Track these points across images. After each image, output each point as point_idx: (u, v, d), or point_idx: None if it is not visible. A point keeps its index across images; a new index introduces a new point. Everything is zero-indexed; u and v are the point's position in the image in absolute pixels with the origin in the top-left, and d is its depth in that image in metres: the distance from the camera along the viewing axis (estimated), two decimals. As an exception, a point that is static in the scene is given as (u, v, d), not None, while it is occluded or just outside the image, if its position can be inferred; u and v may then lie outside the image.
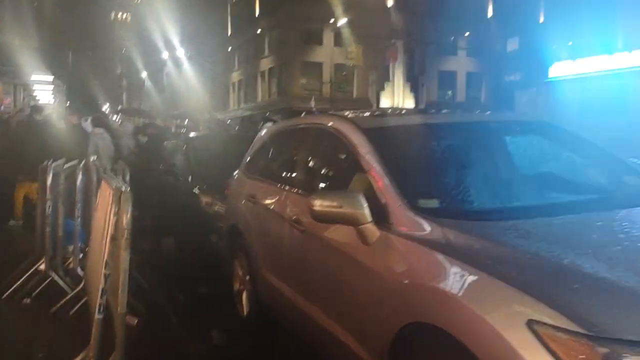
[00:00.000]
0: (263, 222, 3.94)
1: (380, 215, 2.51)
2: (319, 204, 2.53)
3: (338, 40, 38.40)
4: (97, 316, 2.66)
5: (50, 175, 4.64)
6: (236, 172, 5.00)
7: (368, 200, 2.52)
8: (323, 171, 3.40)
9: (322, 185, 3.27)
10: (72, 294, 4.36)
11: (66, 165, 4.94)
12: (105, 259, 2.67)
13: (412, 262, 2.32)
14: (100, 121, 9.54)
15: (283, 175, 3.90)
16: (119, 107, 37.96)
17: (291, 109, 31.93)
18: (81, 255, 4.75)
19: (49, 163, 4.95)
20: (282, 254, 3.56)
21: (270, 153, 4.40)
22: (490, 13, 35.07)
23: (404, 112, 5.11)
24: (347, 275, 2.66)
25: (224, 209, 6.02)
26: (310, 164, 3.63)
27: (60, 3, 43.49)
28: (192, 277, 5.76)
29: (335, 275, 2.80)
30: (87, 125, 9.75)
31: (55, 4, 40.80)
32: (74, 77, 27.36)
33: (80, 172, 4.71)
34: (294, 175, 3.72)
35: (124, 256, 2.54)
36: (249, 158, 4.74)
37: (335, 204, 2.52)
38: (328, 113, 4.89)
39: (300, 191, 3.39)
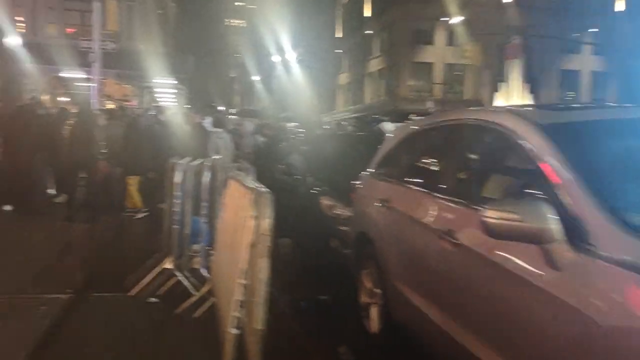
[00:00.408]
0: (400, 231, 3.54)
1: (574, 233, 2.01)
2: (495, 217, 2.08)
3: (450, 39, 37.11)
4: (232, 331, 2.41)
5: (179, 172, 4.58)
6: (363, 173, 4.65)
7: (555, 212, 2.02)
8: (485, 177, 2.91)
9: (484, 193, 2.77)
10: (197, 296, 4.24)
11: (192, 164, 4.87)
12: (242, 267, 2.41)
13: (633, 301, 1.78)
14: (220, 121, 9.65)
15: (428, 179, 3.47)
16: (237, 109, 39.52)
17: (399, 111, 31.33)
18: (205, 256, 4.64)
19: (177, 161, 4.91)
20: (426, 269, 3.14)
21: (410, 153, 3.98)
22: (618, 7, 32.00)
23: (589, 105, 4.39)
24: (524, 304, 2.17)
25: (346, 212, 5.72)
26: (467, 167, 3.16)
27: (181, 11, 46.16)
28: (311, 283, 5.52)
29: (503, 301, 2.33)
30: (207, 124, 9.92)
31: (178, 12, 43.39)
32: (193, 80, 28.72)
33: (207, 171, 4.60)
34: (444, 180, 3.27)
35: (263, 265, 2.27)
36: (380, 158, 4.37)
37: (514, 216, 2.05)
38: (490, 107, 4.36)
39: (454, 199, 2.94)
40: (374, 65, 43.05)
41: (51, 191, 10.07)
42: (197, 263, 4.67)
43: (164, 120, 9.82)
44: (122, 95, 17.29)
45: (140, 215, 9.02)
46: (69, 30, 28.35)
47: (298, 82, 51.10)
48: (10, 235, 7.03)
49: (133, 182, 9.32)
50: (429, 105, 9.55)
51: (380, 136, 10.02)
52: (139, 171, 8.99)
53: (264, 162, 8.69)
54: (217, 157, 6.29)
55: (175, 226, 4.61)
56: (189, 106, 22.08)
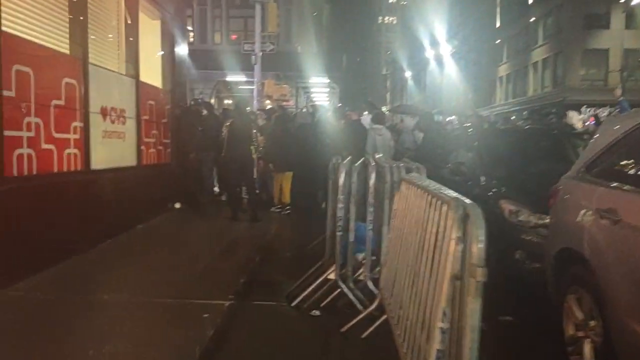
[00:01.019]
0: (636, 252, 2.66)
1: None
2: None
3: (629, 22, 32.71)
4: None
5: (343, 173, 4.12)
6: (567, 175, 3.77)
7: None
8: None
9: None
10: (364, 313, 3.73)
11: (357, 164, 4.38)
12: (442, 306, 1.81)
13: None
14: (379, 117, 9.17)
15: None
16: (391, 106, 39.16)
17: (568, 102, 28.32)
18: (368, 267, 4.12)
19: (338, 160, 4.47)
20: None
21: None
22: None
23: None
24: None
25: (533, 220, 4.85)
26: None
27: (335, 12, 46.98)
28: (491, 299, 4.73)
29: None
30: (366, 121, 9.51)
31: (331, 12, 44.21)
32: (346, 79, 28.86)
33: (374, 171, 4.07)
34: None
35: (473, 307, 1.64)
36: (592, 158, 3.47)
37: None
38: None
39: None
40: (538, 54, 39.63)
41: (215, 189, 10.44)
42: (363, 274, 4.17)
43: (318, 119, 9.62)
44: (280, 95, 17.67)
45: (287, 212, 9.17)
46: (233, 36, 30.28)
47: (452, 76, 49.16)
48: (177, 234, 7.24)
49: (284, 179, 9.36)
50: (617, 93, 8.12)
51: (565, 129, 8.80)
52: (291, 168, 8.98)
53: (426, 160, 8.03)
54: (378, 155, 5.76)
55: (338, 233, 4.16)
56: (342, 104, 22.21)
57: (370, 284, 4.09)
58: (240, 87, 23.62)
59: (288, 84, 21.92)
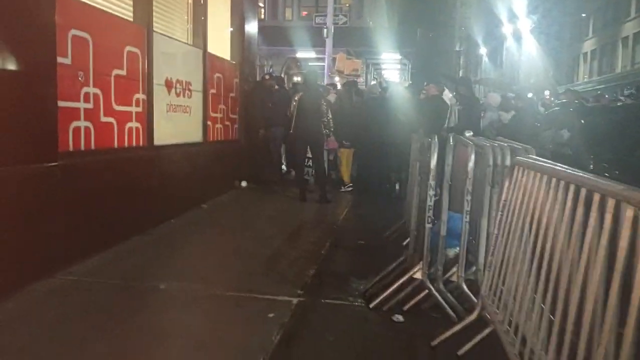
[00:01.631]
0: None
1: None
2: None
3: None
4: None
5: (435, 154, 3.44)
6: None
7: None
8: None
9: None
10: (461, 324, 3.07)
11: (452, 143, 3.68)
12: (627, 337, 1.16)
13: None
14: (466, 91, 8.32)
15: None
16: (476, 78, 37.43)
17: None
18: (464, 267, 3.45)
19: (430, 139, 3.79)
20: None
21: None
22: None
23: None
24: None
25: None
26: None
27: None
28: None
29: None
30: (448, 97, 8.69)
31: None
32: (418, 54, 27.69)
33: (473, 152, 3.37)
34: None
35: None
36: None
37: None
38: None
39: None
40: (629, 28, 36.41)
41: (283, 167, 9.99)
42: (456, 275, 3.50)
43: (390, 95, 8.89)
44: (352, 70, 16.94)
45: (348, 189, 8.87)
46: (303, 13, 29.65)
47: (531, 52, 46.36)
48: (243, 215, 6.81)
49: (345, 156, 8.96)
50: None
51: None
52: (358, 145, 8.55)
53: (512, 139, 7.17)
54: (469, 133, 5.01)
55: (428, 224, 3.50)
56: (415, 79, 21.16)
57: (465, 287, 3.42)
58: (310, 63, 23.12)
59: (359, 60, 21.16)
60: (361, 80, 22.97)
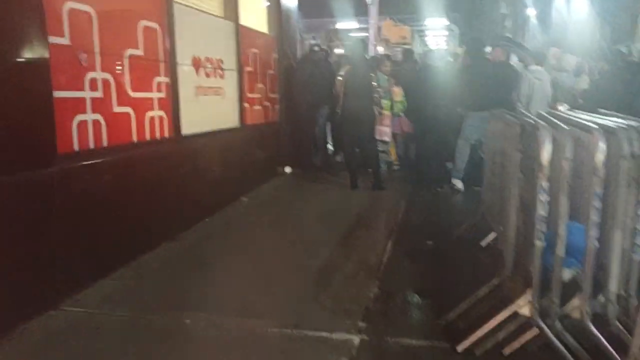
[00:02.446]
0: None
1: None
2: None
3: None
4: None
5: (549, 145, 2.45)
6: None
7: None
8: None
9: None
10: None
11: (570, 130, 2.67)
12: None
13: None
14: (536, 57, 7.14)
15: None
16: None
17: None
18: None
19: (539, 121, 2.80)
20: None
21: None
22: None
23: None
24: None
25: None
26: None
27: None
28: None
29: None
30: (518, 62, 7.52)
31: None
32: (466, 19, 26.10)
33: (602, 139, 2.38)
34: None
35: None
36: None
37: None
38: None
39: None
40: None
41: (330, 148, 9.08)
42: (578, 308, 2.54)
43: (430, 64, 7.76)
44: (399, 37, 15.72)
45: (395, 168, 8.34)
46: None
47: (583, 10, 43.35)
48: (287, 211, 5.95)
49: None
50: None
51: None
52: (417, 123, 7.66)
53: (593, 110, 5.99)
54: (562, 107, 3.95)
55: (538, 241, 2.53)
56: (469, 45, 19.63)
57: (593, 328, 2.47)
58: (352, 34, 21.97)
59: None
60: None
